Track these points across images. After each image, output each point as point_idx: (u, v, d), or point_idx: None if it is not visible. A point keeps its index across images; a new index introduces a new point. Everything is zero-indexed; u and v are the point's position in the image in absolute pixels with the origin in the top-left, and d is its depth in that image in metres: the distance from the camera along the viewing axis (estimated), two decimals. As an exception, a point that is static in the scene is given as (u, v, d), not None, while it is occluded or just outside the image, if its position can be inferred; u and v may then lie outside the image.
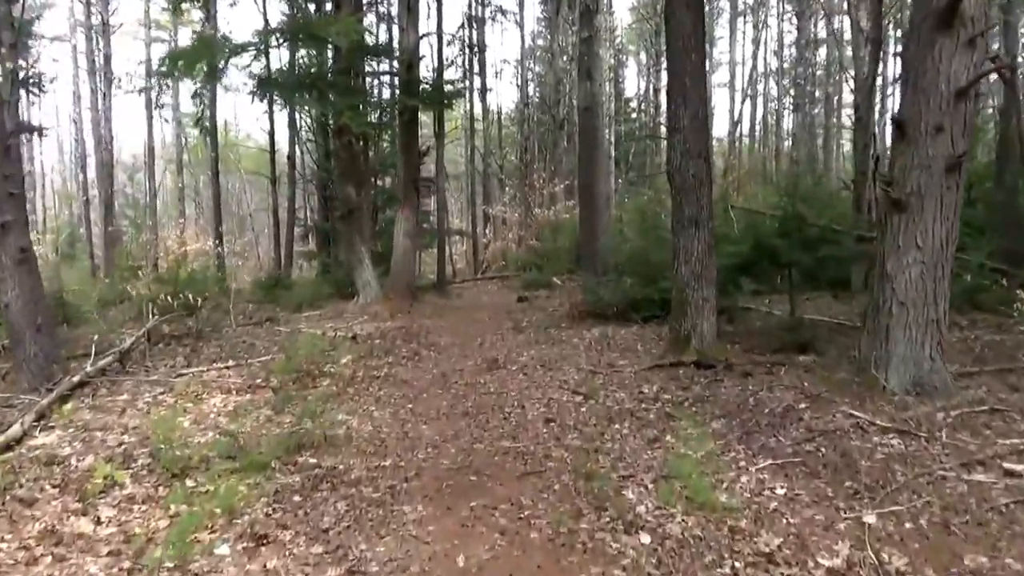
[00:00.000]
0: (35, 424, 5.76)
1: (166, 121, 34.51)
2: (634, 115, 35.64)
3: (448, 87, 14.23)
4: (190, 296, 13.06)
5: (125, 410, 6.37)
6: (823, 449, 4.56)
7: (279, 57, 18.11)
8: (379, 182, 21.18)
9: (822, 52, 30.46)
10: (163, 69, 10.82)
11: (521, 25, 24.89)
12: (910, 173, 5.15)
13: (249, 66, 12.79)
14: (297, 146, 20.88)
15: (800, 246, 8.16)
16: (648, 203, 14.13)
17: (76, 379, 7.03)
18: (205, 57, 10.64)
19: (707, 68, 6.77)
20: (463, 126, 29.72)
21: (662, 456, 4.76)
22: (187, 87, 28.49)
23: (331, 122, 13.49)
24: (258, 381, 7.45)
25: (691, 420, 5.36)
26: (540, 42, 30.59)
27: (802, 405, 5.39)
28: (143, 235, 28.11)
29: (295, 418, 5.94)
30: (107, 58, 23.17)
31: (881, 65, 16.85)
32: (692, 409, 5.71)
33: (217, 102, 28.00)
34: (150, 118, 26.99)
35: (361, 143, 18.37)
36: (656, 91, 30.46)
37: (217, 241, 20.36)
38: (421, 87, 13.64)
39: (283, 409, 6.26)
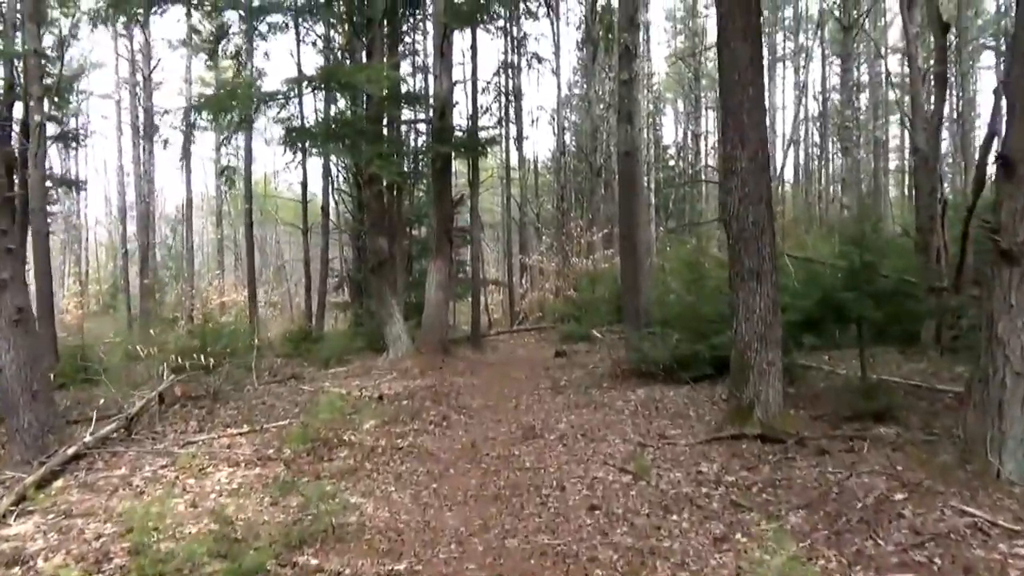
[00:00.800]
0: (13, 508, 5.13)
1: (204, 172, 34.95)
2: (672, 162, 35.05)
3: (483, 134, 13.73)
4: (210, 353, 12.71)
5: (117, 489, 5.72)
6: (937, 559, 3.67)
7: (314, 107, 17.93)
8: (414, 232, 20.79)
9: (863, 96, 29.75)
10: (191, 118, 10.48)
11: (557, 73, 24.57)
12: (1023, 218, 4.33)
13: (280, 115, 12.44)
14: (331, 196, 20.64)
15: (871, 300, 7.30)
16: (694, 252, 13.34)
17: (71, 451, 6.43)
18: (231, 106, 10.30)
19: (766, 104, 6.04)
20: (499, 175, 29.42)
21: (733, 562, 3.92)
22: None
23: (362, 172, 13.05)
24: (270, 452, 6.77)
25: (763, 512, 4.50)
26: (576, 91, 30.34)
27: (899, 496, 4.49)
28: (179, 287, 28.28)
29: (304, 499, 5.22)
30: (147, 112, 23.42)
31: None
32: (763, 496, 4.85)
33: (254, 153, 28.35)
34: (188, 170, 27.19)
35: (395, 193, 18.01)
36: (696, 136, 29.86)
37: (250, 293, 20.04)
38: (454, 134, 13.17)
39: (292, 488, 5.55)
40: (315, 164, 20.94)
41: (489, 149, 16.07)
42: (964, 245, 10.11)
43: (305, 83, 11.55)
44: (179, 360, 10.33)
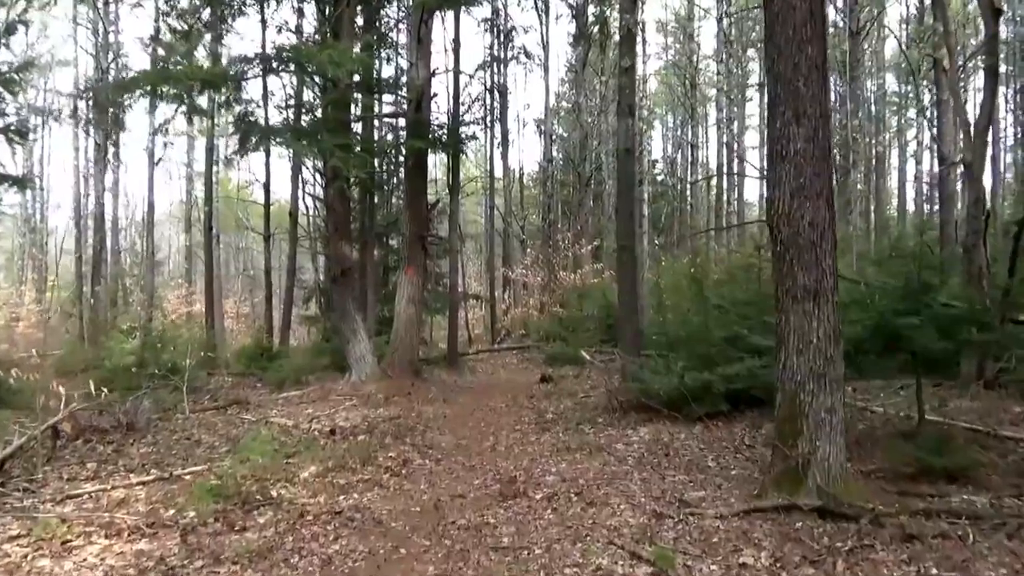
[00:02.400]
0: None
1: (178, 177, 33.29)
2: (660, 177, 33.74)
3: (464, 131, 12.27)
4: (146, 373, 11.09)
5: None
6: None
7: (284, 97, 16.39)
8: (391, 241, 19.26)
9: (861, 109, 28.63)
10: (110, 95, 8.84)
11: (545, 69, 23.13)
12: None
13: (231, 101, 10.84)
14: (301, 200, 19.08)
15: (935, 327, 5.86)
16: (701, 268, 11.93)
17: None
18: (165, 85, 8.71)
19: (826, 73, 4.59)
20: (483, 185, 27.94)
21: None
22: (201, 143, 27.27)
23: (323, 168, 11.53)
24: (169, 514, 5.15)
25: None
26: (565, 103, 28.92)
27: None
28: (133, 296, 26.47)
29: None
30: (101, 107, 21.69)
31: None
32: (847, 616, 3.34)
33: (218, 152, 26.69)
34: (151, 169, 25.47)
35: (366, 194, 16.47)
36: (693, 147, 28.44)
37: (207, 303, 18.36)
38: (432, 129, 11.68)
39: (177, 579, 3.96)
40: (284, 165, 19.45)
41: (470, 147, 14.64)
42: (1014, 264, 8.76)
43: (257, 63, 10.00)
44: (92, 386, 8.66)
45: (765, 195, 4.96)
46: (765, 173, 5.82)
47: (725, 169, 25.91)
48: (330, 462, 6.55)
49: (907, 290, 6.11)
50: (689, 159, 28.08)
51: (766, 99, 5.23)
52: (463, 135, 11.95)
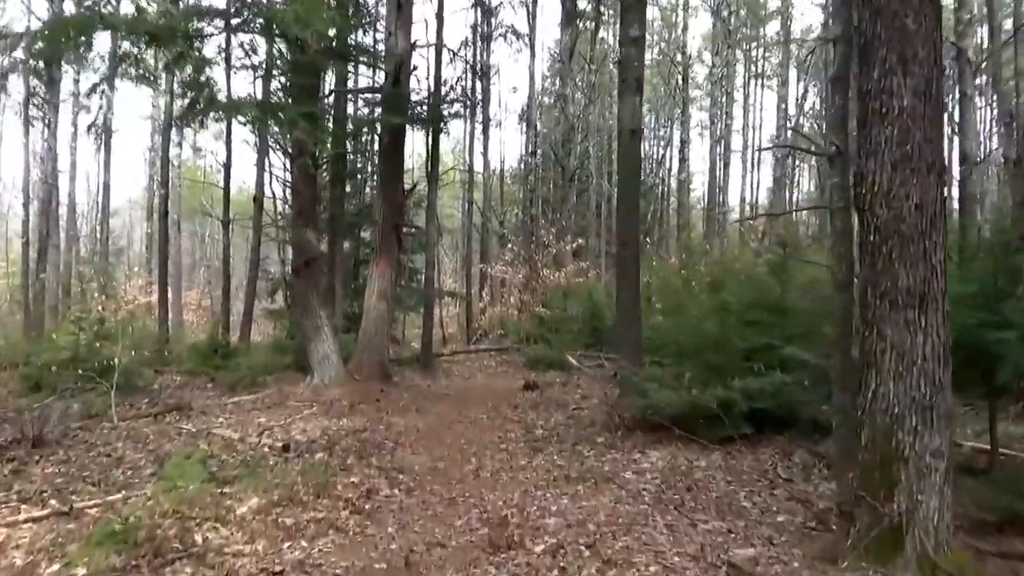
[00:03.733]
0: None
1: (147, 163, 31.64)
2: (643, 177, 32.74)
3: (446, 109, 11.02)
4: (82, 371, 9.73)
5: None
6: None
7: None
8: (362, 234, 17.95)
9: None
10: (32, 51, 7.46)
11: (532, 51, 21.92)
12: None
13: (180, 59, 9.45)
14: (268, 186, 17.69)
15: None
16: (720, 269, 10.79)
17: None
18: (72, 39, 7.30)
19: (940, 8, 3.46)
20: (462, 178, 26.68)
21: None
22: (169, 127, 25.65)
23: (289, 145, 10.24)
24: (51, 572, 3.89)
25: None
26: (546, 99, 27.66)
27: None
28: (89, 286, 24.75)
29: None
30: (52, 80, 20.04)
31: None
32: None
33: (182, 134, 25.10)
34: (107, 149, 23.87)
35: (338, 184, 15.16)
36: (683, 143, 27.30)
37: (161, 294, 16.88)
38: (410, 105, 10.44)
39: None
40: (250, 148, 18.06)
41: (447, 138, 13.37)
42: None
43: (214, 18, 8.67)
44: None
45: (853, 170, 3.82)
46: (827, 145, 4.70)
47: (720, 162, 24.87)
48: (277, 492, 5.28)
49: (985, 297, 5.03)
50: (678, 156, 26.98)
51: (854, 50, 4.09)
52: (445, 113, 10.72)
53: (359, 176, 19.77)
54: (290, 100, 8.79)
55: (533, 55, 22.38)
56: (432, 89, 12.30)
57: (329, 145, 9.75)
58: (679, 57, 25.89)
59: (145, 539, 4.17)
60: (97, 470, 6.05)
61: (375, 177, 16.59)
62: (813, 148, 9.17)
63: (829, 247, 5.19)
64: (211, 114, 10.97)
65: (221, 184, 20.20)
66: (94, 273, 27.28)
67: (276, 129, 11.50)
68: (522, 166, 27.07)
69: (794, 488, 5.33)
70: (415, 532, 4.65)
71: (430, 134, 12.60)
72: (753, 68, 32.61)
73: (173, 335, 18.57)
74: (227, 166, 15.47)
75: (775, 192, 31.23)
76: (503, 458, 6.68)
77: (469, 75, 18.43)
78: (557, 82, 26.49)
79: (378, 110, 12.00)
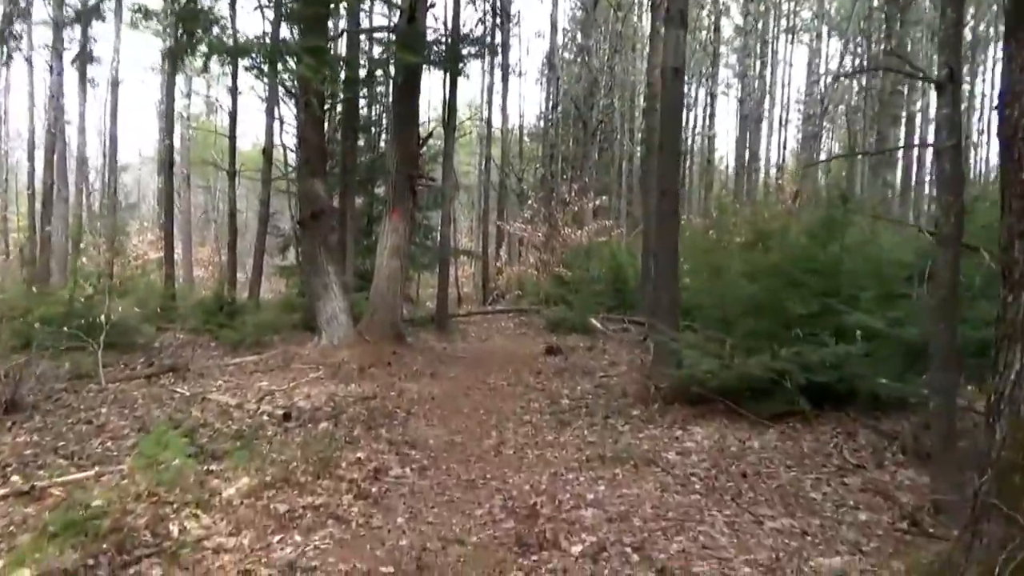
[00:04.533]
0: None
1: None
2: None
3: (464, 49, 10.09)
4: (78, 326, 9.09)
5: None
6: None
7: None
8: (376, 189, 17.14)
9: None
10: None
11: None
12: None
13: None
14: (278, 137, 16.87)
15: None
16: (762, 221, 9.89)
17: None
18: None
19: None
20: (479, 133, 25.71)
21: None
22: (181, 77, 24.73)
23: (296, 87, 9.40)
24: (-10, 569, 3.25)
25: None
26: (566, 55, 26.36)
27: None
28: (96, 240, 24.19)
29: None
30: (56, 23, 19.18)
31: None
32: None
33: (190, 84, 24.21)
34: (115, 99, 23.08)
35: (351, 135, 14.32)
36: (712, 96, 26.03)
37: (167, 249, 16.22)
38: (425, 44, 9.56)
39: None
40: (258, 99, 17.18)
41: (468, 70, 12.41)
42: None
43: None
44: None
45: (999, 96, 2.97)
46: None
47: (751, 119, 23.66)
48: (272, 470, 4.62)
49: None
50: (707, 112, 25.76)
51: None
52: (464, 53, 9.83)
53: (373, 129, 18.90)
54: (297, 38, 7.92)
55: (556, 2, 21.22)
56: (451, 27, 11.36)
57: (340, 87, 8.89)
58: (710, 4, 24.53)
59: (110, 530, 3.52)
60: (74, 440, 5.41)
61: (388, 131, 15.76)
62: (920, 73, 8.12)
63: (934, 193, 4.34)
64: (213, 55, 10.22)
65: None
66: (101, 227, 26.70)
67: (282, 71, 10.64)
68: (542, 121, 26.06)
69: (867, 476, 4.58)
70: (428, 524, 3.96)
71: (447, 77, 11.69)
72: (784, 22, 31.12)
73: (181, 291, 18.01)
74: (232, 114, 14.66)
75: (804, 151, 30.05)
76: (527, 432, 5.98)
77: (489, 17, 17.29)
78: (579, 36, 25.36)
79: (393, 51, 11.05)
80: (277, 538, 3.68)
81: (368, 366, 8.65)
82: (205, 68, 12.37)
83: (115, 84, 24.19)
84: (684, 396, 6.58)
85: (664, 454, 5.15)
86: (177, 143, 26.86)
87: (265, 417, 6.29)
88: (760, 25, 25.59)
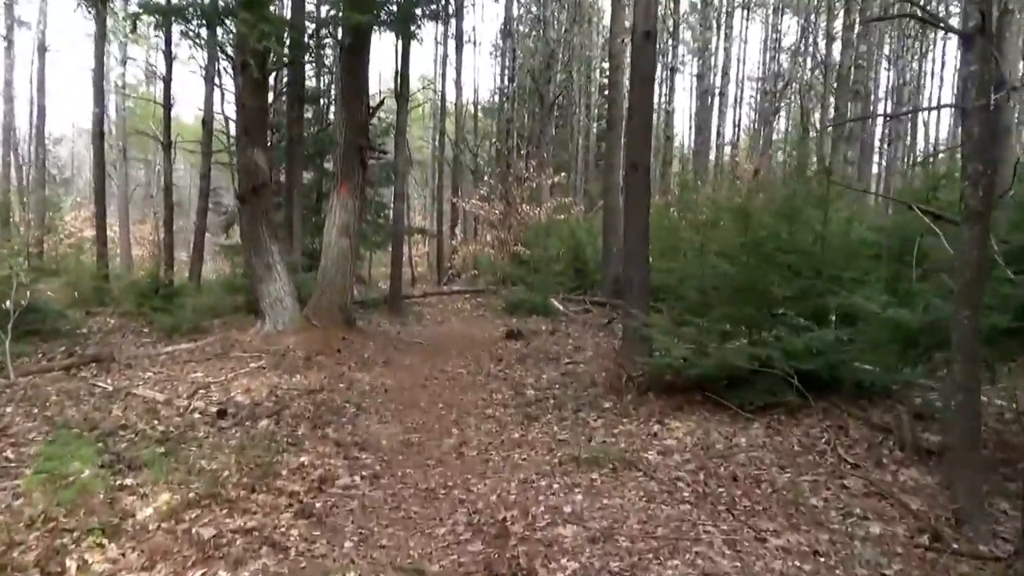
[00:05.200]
0: None
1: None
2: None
3: (419, 6, 9.33)
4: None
5: None
6: None
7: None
8: (325, 164, 16.27)
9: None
10: None
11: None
12: None
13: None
14: (219, 107, 15.91)
15: None
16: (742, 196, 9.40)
17: None
18: None
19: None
20: (433, 107, 24.84)
21: None
22: (115, 44, 23.19)
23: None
24: None
25: None
26: (522, 28, 25.53)
27: None
28: (23, 216, 22.73)
29: None
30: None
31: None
32: None
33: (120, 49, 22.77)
34: (42, 72, 21.52)
35: (297, 106, 13.46)
36: (672, 71, 25.52)
37: (98, 227, 15.11)
38: (375, 3, 8.80)
39: None
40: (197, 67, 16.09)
41: (422, 35, 11.60)
42: None
43: None
44: None
45: None
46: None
47: (710, 95, 23.24)
48: (198, 483, 3.98)
49: None
50: (668, 88, 25.25)
51: None
52: (418, 13, 9.08)
53: (321, 100, 17.98)
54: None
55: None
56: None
57: (283, 48, 8.11)
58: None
59: (-15, 571, 2.87)
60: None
61: (336, 97, 14.90)
62: (941, 24, 7.70)
63: (961, 158, 3.87)
64: (141, 16, 9.33)
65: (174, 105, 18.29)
66: (31, 203, 25.10)
67: (221, 36, 9.80)
68: (497, 96, 25.33)
69: (869, 477, 4.16)
70: (381, 548, 3.39)
71: (399, 44, 10.95)
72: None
73: (116, 272, 16.92)
74: (167, 80, 13.57)
75: (759, 129, 29.93)
76: (491, 429, 5.44)
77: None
78: (534, 7, 24.61)
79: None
80: (198, 573, 3.06)
81: (315, 354, 7.98)
82: (134, 28, 11.43)
83: (42, 49, 22.66)
84: (659, 385, 6.12)
85: (644, 454, 4.66)
86: (112, 113, 25.40)
87: (197, 415, 5.61)
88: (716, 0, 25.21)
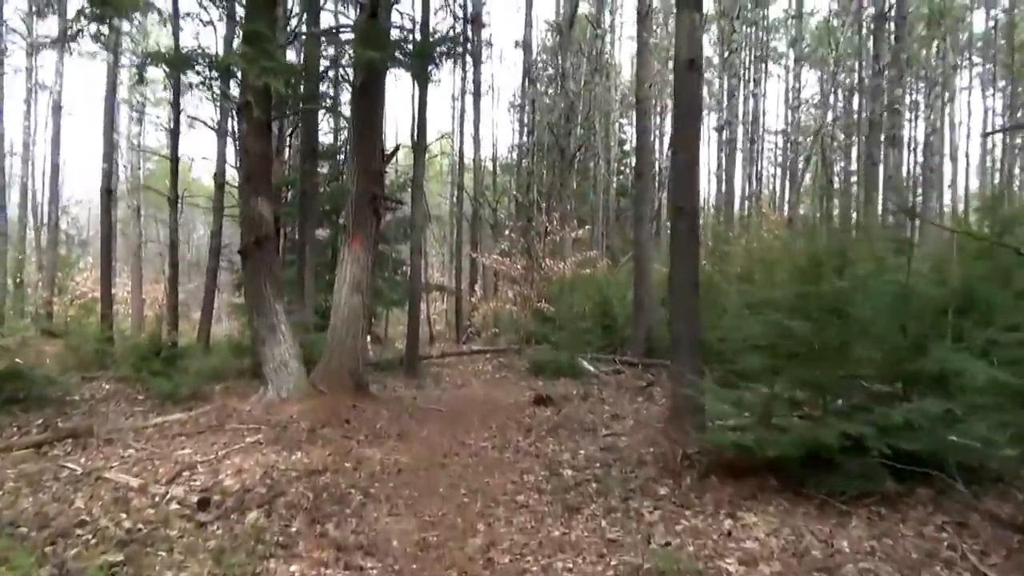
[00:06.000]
0: None
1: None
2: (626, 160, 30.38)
3: (435, 46, 8.72)
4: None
5: None
6: None
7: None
8: (340, 220, 15.65)
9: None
10: None
11: (528, 18, 19.73)
12: None
13: None
14: (232, 165, 15.37)
15: None
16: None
17: None
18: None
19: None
20: (451, 161, 24.44)
21: None
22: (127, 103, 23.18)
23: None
24: None
25: None
26: (538, 87, 25.20)
27: None
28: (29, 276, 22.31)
29: None
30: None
31: None
32: None
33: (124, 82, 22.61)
34: (56, 131, 21.38)
35: (310, 157, 12.89)
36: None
37: (103, 287, 14.51)
38: (390, 42, 8.19)
39: None
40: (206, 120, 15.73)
41: (439, 76, 11.04)
42: None
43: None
44: None
45: None
46: None
47: (734, 147, 22.56)
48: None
49: None
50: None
51: None
52: (435, 52, 8.46)
53: (338, 156, 17.52)
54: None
55: (529, 23, 20.17)
56: (420, 21, 9.99)
57: (288, 86, 7.47)
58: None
59: None
60: None
61: (348, 142, 14.35)
62: None
63: None
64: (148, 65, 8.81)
65: (193, 164, 17.91)
66: (43, 263, 24.72)
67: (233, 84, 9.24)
68: (516, 152, 24.91)
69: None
70: None
71: (416, 90, 10.38)
72: (758, 51, 30.47)
73: (127, 334, 16.24)
74: (175, 133, 13.07)
75: (784, 180, 29.22)
76: (525, 523, 4.47)
77: (459, 23, 16.06)
78: (554, 58, 24.32)
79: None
80: None
81: (321, 425, 7.09)
82: (140, 79, 10.94)
83: (57, 109, 22.65)
84: (720, 465, 5.14)
85: (722, 563, 3.69)
86: (126, 173, 25.26)
87: (174, 505, 4.70)
88: (742, 54, 24.89)
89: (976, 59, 30.85)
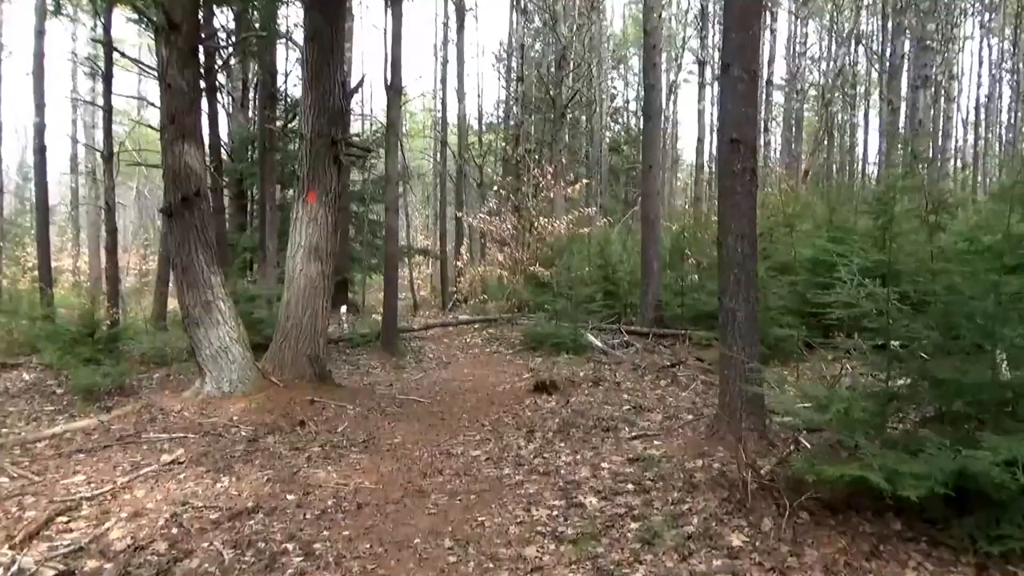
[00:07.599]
0: None
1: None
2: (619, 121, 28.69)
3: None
4: None
5: None
6: None
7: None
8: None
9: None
10: None
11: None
12: None
13: None
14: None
15: None
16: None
17: None
18: None
19: None
20: (433, 114, 22.63)
21: None
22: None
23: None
24: None
25: None
26: (527, 41, 23.23)
27: None
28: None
29: None
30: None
31: None
32: None
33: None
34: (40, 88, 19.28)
35: (267, 101, 11.14)
36: (701, 64, 23.29)
37: (41, 259, 12.75)
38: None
39: None
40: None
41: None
42: None
43: None
44: None
45: None
46: None
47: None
48: None
49: None
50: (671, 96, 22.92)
51: None
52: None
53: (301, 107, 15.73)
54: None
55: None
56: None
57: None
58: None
59: None
60: None
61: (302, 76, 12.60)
62: None
63: None
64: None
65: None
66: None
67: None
68: (503, 105, 23.11)
69: None
70: None
71: (389, 10, 8.61)
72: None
73: (77, 311, 14.56)
74: (107, 77, 11.18)
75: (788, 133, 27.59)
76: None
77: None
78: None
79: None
80: None
81: (266, 431, 5.55)
82: (57, 9, 9.13)
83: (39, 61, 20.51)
84: (813, 496, 3.63)
85: None
86: (87, 134, 23.34)
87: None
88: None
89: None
